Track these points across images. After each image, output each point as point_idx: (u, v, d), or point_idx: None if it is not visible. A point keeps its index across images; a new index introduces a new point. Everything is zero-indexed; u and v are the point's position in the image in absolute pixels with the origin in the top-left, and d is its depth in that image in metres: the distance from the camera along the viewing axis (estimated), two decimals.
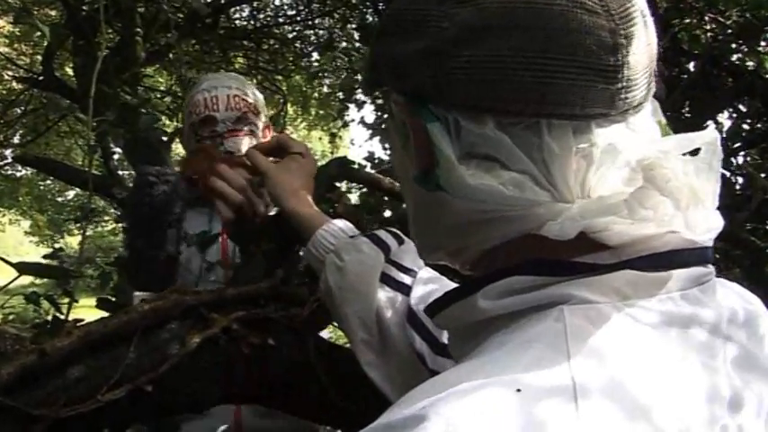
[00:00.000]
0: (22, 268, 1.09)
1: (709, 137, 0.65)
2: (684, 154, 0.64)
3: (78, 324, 1.12)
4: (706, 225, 0.64)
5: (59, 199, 15.30)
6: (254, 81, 6.89)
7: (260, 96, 2.01)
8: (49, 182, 13.66)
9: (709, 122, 2.89)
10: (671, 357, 0.57)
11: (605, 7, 0.59)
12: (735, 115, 3.00)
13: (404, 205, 1.66)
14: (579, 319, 0.57)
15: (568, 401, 0.50)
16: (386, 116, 0.73)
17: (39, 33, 7.80)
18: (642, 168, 0.60)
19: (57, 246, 16.96)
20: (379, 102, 4.45)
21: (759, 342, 0.65)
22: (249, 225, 1.33)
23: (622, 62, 0.59)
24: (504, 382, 0.52)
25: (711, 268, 0.65)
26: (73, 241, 17.24)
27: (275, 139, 1.36)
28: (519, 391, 0.51)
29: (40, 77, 6.20)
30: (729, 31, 2.71)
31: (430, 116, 0.64)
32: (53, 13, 7.40)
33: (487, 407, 0.50)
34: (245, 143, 1.89)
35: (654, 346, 0.57)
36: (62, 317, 1.20)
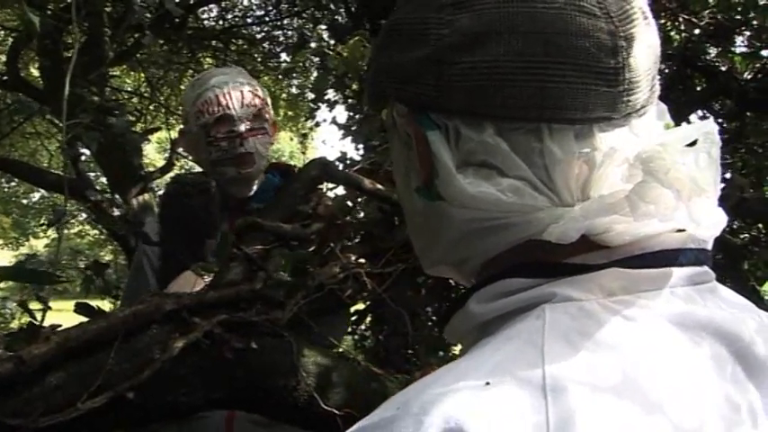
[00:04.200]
0: (1, 273, 1.06)
1: (706, 127, 0.64)
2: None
3: (56, 330, 1.09)
4: (710, 218, 0.62)
5: (24, 201, 15.11)
6: None
7: (265, 91, 1.90)
8: (13, 184, 13.48)
9: (683, 124, 2.92)
10: (660, 351, 0.56)
11: (604, 9, 0.59)
12: (707, 115, 3.04)
13: (382, 206, 1.65)
14: (559, 315, 0.57)
15: (538, 394, 0.50)
16: (388, 131, 0.71)
17: (2, 33, 7.69)
18: (641, 162, 0.59)
19: (22, 248, 16.77)
20: (352, 102, 4.44)
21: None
22: None
23: (623, 64, 0.59)
24: (475, 378, 0.52)
25: (707, 269, 0.64)
26: (38, 244, 17.04)
27: None
28: (488, 384, 0.51)
29: (5, 78, 6.11)
30: (698, 31, 2.74)
31: (430, 124, 0.63)
32: (20, 9, 7.28)
33: (457, 402, 0.50)
34: (262, 143, 1.80)
35: (639, 338, 0.56)
36: (37, 323, 1.16)
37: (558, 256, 0.61)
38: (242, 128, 1.75)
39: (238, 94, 1.77)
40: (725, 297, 0.65)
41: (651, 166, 0.58)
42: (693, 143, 0.63)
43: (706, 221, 0.61)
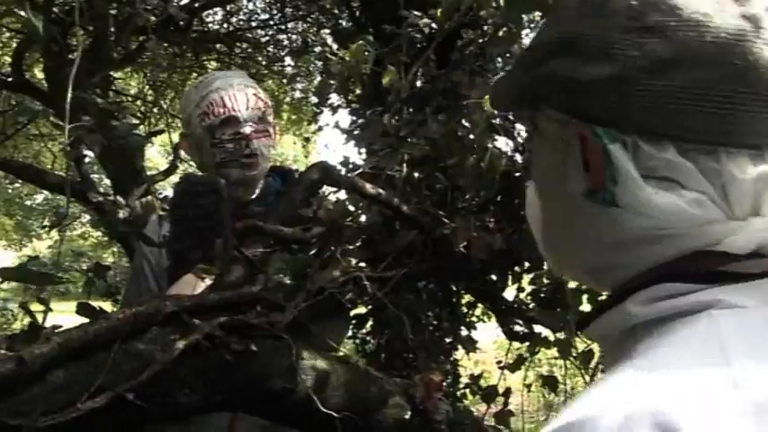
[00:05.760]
0: (4, 274, 1.06)
1: None
2: None
3: (57, 330, 1.09)
4: None
5: (28, 202, 15.12)
6: None
7: (266, 94, 1.90)
8: (17, 185, 13.48)
9: None
10: None
11: None
12: None
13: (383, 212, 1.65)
14: (730, 320, 0.59)
15: (733, 389, 0.53)
16: (530, 133, 0.75)
17: (7, 35, 7.71)
18: None
19: (25, 249, 16.79)
20: (354, 106, 4.44)
21: None
22: None
23: None
24: (665, 376, 0.55)
25: None
26: (41, 245, 17.05)
27: None
28: (679, 379, 0.54)
29: (10, 79, 6.11)
30: None
31: (607, 137, 0.66)
32: (22, 13, 7.28)
33: (659, 397, 0.53)
34: (266, 146, 1.80)
35: None
36: (38, 324, 1.17)
37: (719, 264, 0.64)
38: (247, 129, 1.75)
39: (243, 96, 1.77)
40: None
41: None
42: None
43: None
